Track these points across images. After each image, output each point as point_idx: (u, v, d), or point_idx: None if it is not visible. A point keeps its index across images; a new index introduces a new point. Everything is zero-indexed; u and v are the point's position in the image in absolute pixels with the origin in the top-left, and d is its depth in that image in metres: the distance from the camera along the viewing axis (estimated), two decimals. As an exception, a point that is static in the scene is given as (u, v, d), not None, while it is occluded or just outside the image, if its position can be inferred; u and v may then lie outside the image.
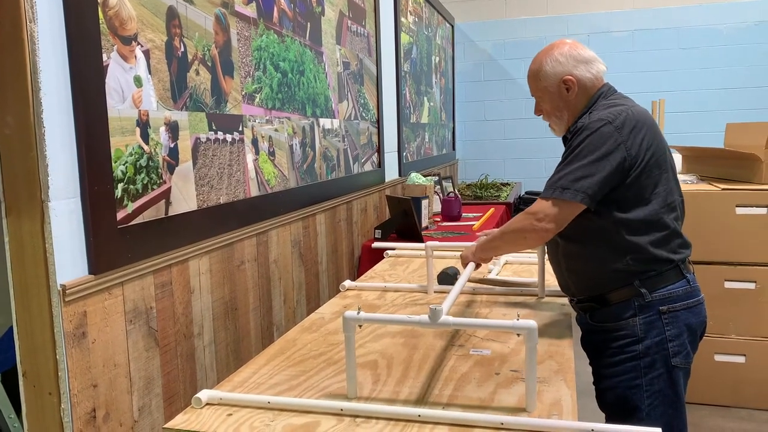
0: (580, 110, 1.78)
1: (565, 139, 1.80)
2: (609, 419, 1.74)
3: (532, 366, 1.22)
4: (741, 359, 3.07)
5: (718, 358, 3.09)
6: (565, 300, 1.95)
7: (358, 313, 1.29)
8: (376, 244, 2.54)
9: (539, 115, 1.88)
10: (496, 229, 1.83)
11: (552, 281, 2.07)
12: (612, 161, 1.59)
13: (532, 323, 1.20)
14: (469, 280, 2.09)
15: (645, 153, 1.63)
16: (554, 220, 1.61)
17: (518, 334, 1.24)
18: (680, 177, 3.46)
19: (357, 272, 3.28)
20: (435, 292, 2.10)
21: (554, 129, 1.86)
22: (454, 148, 6.73)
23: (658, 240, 1.64)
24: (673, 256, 1.66)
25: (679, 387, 1.66)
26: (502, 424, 1.16)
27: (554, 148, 6.54)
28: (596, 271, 1.70)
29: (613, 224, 1.64)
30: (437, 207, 4.12)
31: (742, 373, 3.08)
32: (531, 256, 2.52)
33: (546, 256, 1.95)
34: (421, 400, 1.30)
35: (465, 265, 1.87)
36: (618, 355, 1.70)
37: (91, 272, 1.42)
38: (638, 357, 1.66)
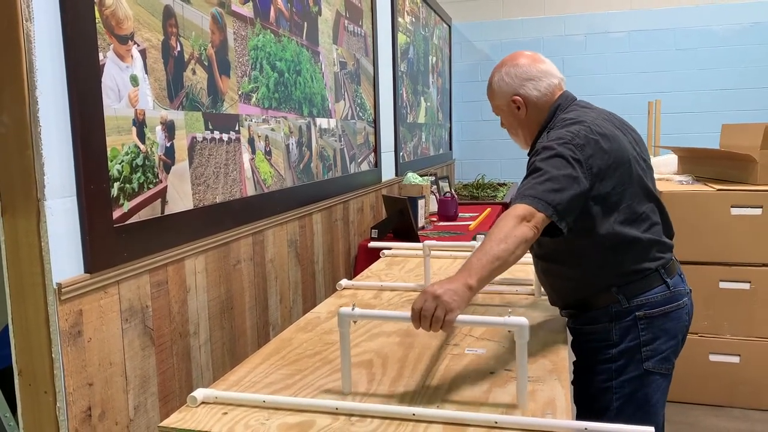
0: (538, 126, 1.77)
1: (530, 155, 1.74)
2: (579, 417, 1.75)
3: (523, 363, 1.22)
4: (735, 359, 3.08)
5: (712, 358, 3.10)
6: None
7: (353, 309, 1.29)
8: (373, 244, 2.55)
9: (504, 128, 1.87)
10: (481, 253, 1.41)
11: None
12: (576, 184, 1.51)
13: (523, 320, 1.21)
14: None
15: (606, 171, 1.58)
16: (540, 226, 1.47)
17: (509, 331, 1.24)
18: (676, 177, 3.48)
19: (353, 272, 3.28)
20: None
21: (518, 144, 1.86)
22: (450, 148, 6.73)
23: (632, 255, 1.63)
24: (650, 264, 1.65)
25: (651, 391, 1.66)
26: (496, 422, 1.16)
27: (551, 149, 6.55)
28: (574, 286, 1.72)
29: (585, 246, 1.63)
30: (434, 207, 4.13)
31: (736, 373, 3.09)
32: (526, 257, 2.53)
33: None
34: (416, 399, 1.31)
35: (452, 321, 1.30)
36: (593, 356, 1.71)
37: (86, 271, 1.43)
38: (611, 360, 1.67)
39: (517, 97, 1.75)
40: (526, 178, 1.57)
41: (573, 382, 1.80)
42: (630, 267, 1.64)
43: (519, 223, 1.43)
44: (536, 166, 1.55)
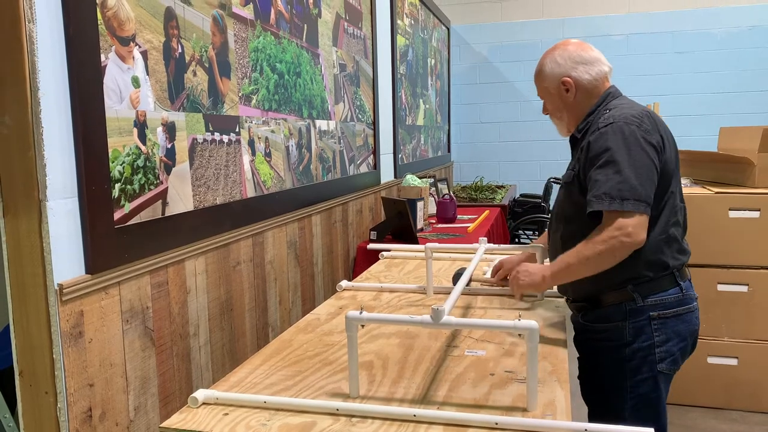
0: (584, 112, 1.78)
1: (573, 140, 1.82)
2: (592, 415, 1.78)
3: (533, 366, 1.23)
4: (734, 361, 3.09)
5: (711, 360, 3.11)
6: (561, 301, 1.97)
7: (361, 313, 1.29)
8: (372, 246, 2.55)
9: (546, 115, 1.88)
10: (567, 253, 1.63)
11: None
12: (651, 166, 1.58)
13: (534, 323, 1.21)
14: (471, 281, 2.10)
15: (662, 156, 1.63)
16: (639, 231, 1.54)
17: (519, 335, 1.25)
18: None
19: (352, 273, 3.28)
20: (435, 293, 2.11)
21: (558, 129, 1.88)
22: (449, 151, 6.74)
23: (656, 245, 1.63)
24: (669, 261, 1.65)
25: (661, 392, 1.68)
26: (497, 423, 1.17)
27: (549, 151, 6.57)
28: (591, 278, 1.66)
29: None
30: (432, 209, 4.13)
31: (734, 375, 3.10)
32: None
33: (546, 256, 1.96)
34: (417, 400, 1.31)
35: (520, 292, 1.76)
36: (606, 355, 1.72)
37: (87, 272, 1.43)
38: (625, 360, 1.67)
39: (568, 79, 1.76)
40: (597, 162, 1.59)
41: (580, 377, 1.83)
42: (650, 264, 1.63)
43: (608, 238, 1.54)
44: (613, 157, 1.57)
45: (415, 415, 1.21)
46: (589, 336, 1.77)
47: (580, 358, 1.83)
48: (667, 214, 1.65)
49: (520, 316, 1.30)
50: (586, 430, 1.12)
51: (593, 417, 1.76)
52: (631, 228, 1.53)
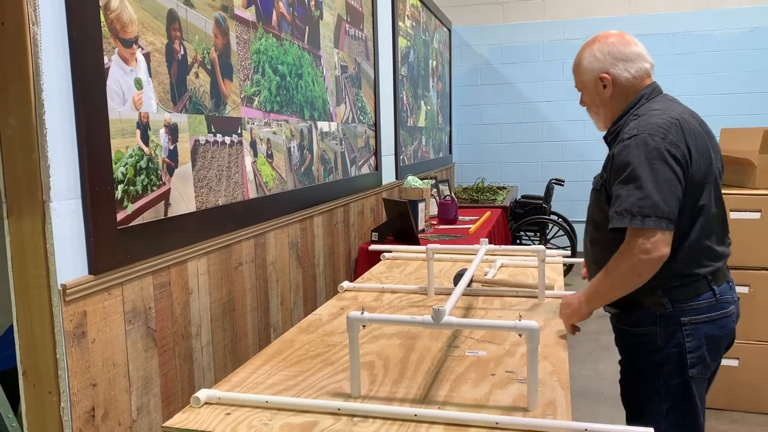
0: (620, 110, 1.75)
1: (606, 140, 1.81)
2: (629, 419, 1.77)
3: (534, 366, 1.23)
4: (734, 362, 3.09)
5: (711, 361, 3.11)
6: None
7: (362, 313, 1.30)
8: (373, 247, 2.56)
9: (583, 107, 1.86)
10: (596, 278, 1.65)
11: (550, 282, 2.09)
12: (674, 179, 1.54)
13: (534, 324, 1.22)
14: (473, 281, 2.11)
15: (690, 167, 1.58)
16: (662, 247, 1.52)
17: (520, 335, 1.26)
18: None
19: (354, 274, 3.29)
20: (436, 294, 2.11)
21: (595, 123, 1.86)
22: (450, 152, 6.75)
23: (685, 259, 1.62)
24: (698, 270, 1.63)
25: (694, 397, 1.66)
26: (497, 423, 1.17)
27: (550, 153, 6.57)
28: None
29: None
30: (434, 210, 4.14)
31: (735, 377, 3.10)
32: (525, 259, 2.55)
33: (545, 260, 1.99)
34: (418, 400, 1.32)
35: (568, 325, 1.70)
36: (640, 359, 1.72)
37: (91, 272, 1.44)
38: (658, 365, 1.66)
39: (606, 75, 1.72)
40: (620, 177, 1.57)
41: (621, 382, 1.82)
42: (679, 270, 1.62)
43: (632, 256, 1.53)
44: (635, 172, 1.54)
45: (416, 415, 1.21)
46: (625, 340, 1.77)
47: (621, 361, 1.83)
48: (698, 227, 1.62)
49: (520, 316, 1.30)
50: (586, 429, 1.12)
51: (630, 421, 1.76)
52: (650, 245, 1.51)
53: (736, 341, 3.06)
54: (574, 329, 1.70)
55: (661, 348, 1.65)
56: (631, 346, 1.75)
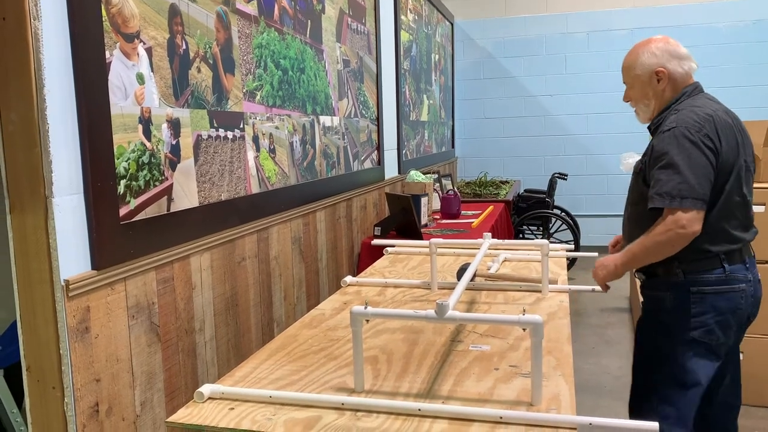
0: (667, 102, 1.94)
1: (650, 129, 2.00)
2: (634, 388, 2.02)
3: (538, 360, 1.23)
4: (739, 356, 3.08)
5: (715, 355, 3.10)
6: (565, 297, 1.97)
7: (366, 308, 1.30)
8: (376, 242, 2.55)
9: (627, 102, 2.04)
10: (633, 243, 1.89)
11: (554, 277, 2.08)
12: (707, 165, 1.76)
13: (538, 318, 1.21)
14: (476, 276, 2.11)
15: (720, 157, 1.79)
16: (695, 225, 1.75)
17: (524, 329, 1.25)
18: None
19: (356, 269, 3.29)
20: (439, 288, 2.11)
21: (639, 115, 2.04)
22: (453, 146, 6.74)
23: (701, 236, 1.79)
24: (713, 248, 1.83)
25: (693, 358, 1.86)
26: (501, 418, 1.17)
27: (553, 147, 6.56)
28: None
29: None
30: (436, 204, 4.14)
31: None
32: (528, 254, 2.54)
33: (549, 254, 2.03)
34: (421, 395, 1.31)
35: (603, 284, 2.00)
36: (652, 319, 1.97)
37: (94, 267, 1.44)
38: (663, 323, 1.91)
39: (663, 70, 1.93)
40: (658, 164, 1.80)
41: (636, 338, 2.07)
42: (695, 246, 1.80)
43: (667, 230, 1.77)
44: (673, 159, 1.77)
45: (419, 410, 1.21)
46: (645, 303, 2.00)
47: (638, 321, 2.06)
48: (718, 210, 1.82)
49: (524, 310, 1.30)
50: (590, 424, 1.12)
51: (635, 389, 2.02)
52: (686, 221, 1.75)
53: None
54: (606, 287, 2.01)
55: (668, 310, 1.89)
56: (647, 308, 1.98)
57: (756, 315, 1.95)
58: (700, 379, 1.86)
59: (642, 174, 1.91)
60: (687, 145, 1.77)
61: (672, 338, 1.88)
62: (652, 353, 1.95)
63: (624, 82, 2.03)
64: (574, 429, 1.13)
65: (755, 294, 1.90)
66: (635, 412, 1.99)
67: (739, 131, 1.88)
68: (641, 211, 1.89)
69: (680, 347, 1.87)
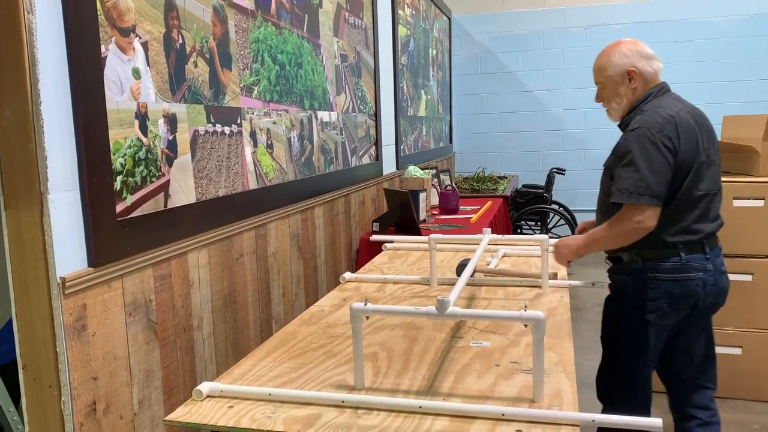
0: (637, 100, 2.05)
1: (620, 127, 2.09)
2: (603, 355, 2.18)
3: (539, 357, 1.22)
4: (737, 351, 3.08)
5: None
6: (565, 292, 1.97)
7: (366, 304, 1.29)
8: (375, 237, 2.54)
9: (599, 102, 2.15)
10: (595, 229, 2.05)
11: (553, 272, 2.08)
12: (665, 164, 1.88)
13: (540, 314, 1.20)
14: (475, 271, 2.10)
15: (678, 156, 1.90)
16: (650, 220, 1.88)
17: (525, 325, 1.24)
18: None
19: (355, 265, 3.28)
20: (438, 284, 2.10)
21: (611, 114, 2.13)
22: (451, 141, 6.72)
23: (660, 229, 1.91)
24: (670, 239, 1.95)
25: (649, 339, 2.02)
26: (503, 415, 1.16)
27: (551, 142, 6.55)
28: None
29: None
30: (435, 200, 4.12)
31: (738, 365, 3.09)
32: (529, 249, 2.53)
33: (548, 249, 2.04)
34: (422, 392, 1.30)
35: (564, 261, 2.12)
36: (615, 302, 2.12)
37: (90, 265, 1.42)
38: (624, 307, 2.06)
39: (634, 69, 2.04)
40: (622, 162, 1.92)
41: (602, 320, 2.19)
42: (654, 236, 1.93)
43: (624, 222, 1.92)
44: (634, 159, 1.89)
45: (420, 407, 1.20)
46: (610, 287, 2.13)
47: (605, 306, 2.19)
48: (677, 203, 1.94)
49: (526, 306, 1.29)
50: (594, 420, 1.11)
51: (602, 365, 2.20)
52: (642, 218, 1.88)
53: (738, 329, 3.15)
54: (568, 265, 2.16)
55: (629, 294, 2.03)
56: (612, 291, 2.12)
57: (722, 304, 2.09)
58: (652, 355, 2.04)
59: (609, 169, 2.04)
60: (648, 146, 1.88)
61: (632, 319, 2.02)
62: (615, 331, 2.11)
63: (596, 83, 2.13)
64: (577, 426, 1.12)
65: (716, 284, 2.01)
66: (601, 384, 2.19)
67: (702, 129, 1.98)
68: (608, 203, 2.01)
69: (638, 328, 2.02)
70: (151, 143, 1.63)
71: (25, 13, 1.25)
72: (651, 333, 2.01)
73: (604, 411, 2.13)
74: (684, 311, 2.00)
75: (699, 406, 2.15)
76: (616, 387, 2.14)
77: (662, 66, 2.07)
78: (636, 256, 2.00)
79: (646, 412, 2.12)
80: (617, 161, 1.96)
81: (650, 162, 1.87)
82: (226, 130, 2.00)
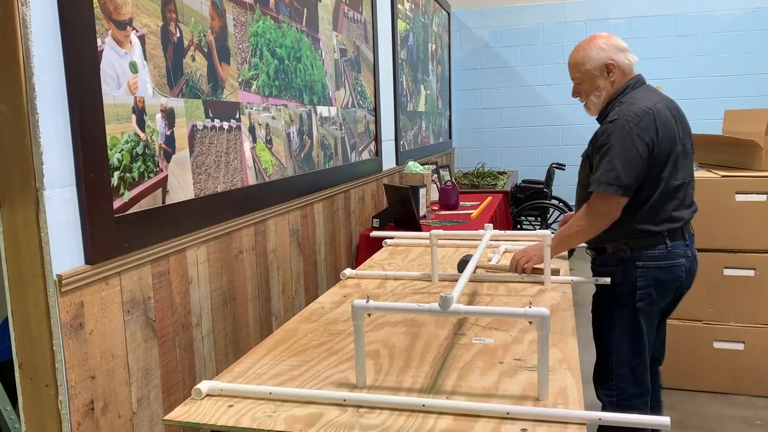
0: (615, 93, 2.08)
1: (599, 120, 2.12)
2: (596, 343, 2.18)
3: (544, 354, 1.20)
4: (740, 346, 3.07)
5: (717, 345, 3.09)
6: (567, 288, 1.95)
7: (367, 301, 1.26)
8: (375, 233, 2.52)
9: (576, 97, 2.17)
10: (561, 229, 2.12)
11: (555, 267, 2.06)
12: (638, 158, 1.92)
13: (545, 311, 1.18)
14: (477, 267, 2.08)
15: (656, 149, 1.95)
16: (615, 210, 1.96)
17: (530, 322, 1.22)
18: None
19: (355, 261, 3.26)
20: (440, 280, 2.08)
21: (590, 109, 2.15)
22: (450, 137, 6.70)
23: (643, 217, 2.00)
24: (655, 228, 2.01)
25: (641, 325, 2.06)
26: (508, 413, 1.14)
27: (550, 137, 6.52)
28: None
29: None
30: (435, 196, 4.10)
31: (741, 360, 3.08)
32: (529, 244, 2.51)
33: (551, 245, 2.00)
34: (425, 390, 1.28)
35: (530, 268, 2.06)
36: (604, 292, 2.12)
37: (87, 262, 1.40)
38: (615, 297, 2.07)
39: (612, 62, 2.06)
40: (600, 152, 1.97)
41: (592, 311, 2.21)
42: (640, 227, 2.01)
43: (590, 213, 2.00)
44: (610, 150, 1.94)
45: (424, 405, 1.18)
46: (597, 287, 2.14)
47: (594, 294, 2.20)
48: (659, 194, 1.99)
49: (530, 303, 1.27)
50: (600, 419, 1.09)
51: (597, 359, 2.18)
52: (605, 207, 1.97)
53: (740, 325, 3.20)
54: (534, 270, 2.06)
55: (619, 284, 2.05)
56: (599, 287, 2.12)
57: (690, 287, 2.15)
58: (646, 342, 2.07)
59: (588, 160, 2.08)
60: (624, 138, 1.92)
61: (622, 308, 2.05)
62: (607, 323, 2.12)
63: (572, 79, 2.15)
64: (584, 425, 1.10)
65: (691, 268, 2.10)
66: (597, 377, 2.17)
67: (677, 120, 2.03)
68: (587, 194, 2.05)
69: (629, 316, 2.05)
70: (148, 138, 1.61)
71: (19, 6, 1.22)
72: (642, 321, 2.05)
73: (605, 410, 2.11)
74: (669, 296, 2.08)
75: (656, 377, 2.28)
76: (621, 382, 2.10)
77: (637, 59, 2.10)
78: (624, 246, 2.03)
79: (647, 406, 2.11)
80: (595, 152, 2.00)
81: (625, 153, 1.91)
82: (225, 125, 1.98)
